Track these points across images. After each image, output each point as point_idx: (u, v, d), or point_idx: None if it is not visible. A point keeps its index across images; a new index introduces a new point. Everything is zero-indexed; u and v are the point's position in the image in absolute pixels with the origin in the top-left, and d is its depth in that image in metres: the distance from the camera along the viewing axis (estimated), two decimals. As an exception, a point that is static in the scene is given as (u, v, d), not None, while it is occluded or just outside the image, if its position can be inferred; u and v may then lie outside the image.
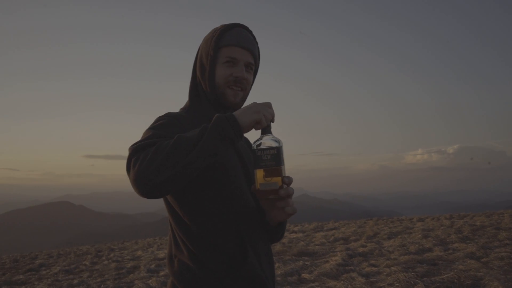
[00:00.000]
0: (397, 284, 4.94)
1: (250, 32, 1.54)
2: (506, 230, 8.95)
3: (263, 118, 1.29)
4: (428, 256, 6.73)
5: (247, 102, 1.56)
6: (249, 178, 1.51)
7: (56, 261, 11.59)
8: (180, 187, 1.25)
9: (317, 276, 5.86)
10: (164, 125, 1.40)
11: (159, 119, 1.44)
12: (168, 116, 1.45)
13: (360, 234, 10.68)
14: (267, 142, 1.31)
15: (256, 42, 1.55)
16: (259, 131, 1.34)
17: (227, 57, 1.48)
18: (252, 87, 1.59)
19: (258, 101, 1.33)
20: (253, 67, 1.54)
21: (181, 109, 1.59)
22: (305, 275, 5.99)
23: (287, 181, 1.32)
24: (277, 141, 1.32)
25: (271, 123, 1.34)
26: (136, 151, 1.26)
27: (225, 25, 1.51)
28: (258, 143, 1.32)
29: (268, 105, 1.33)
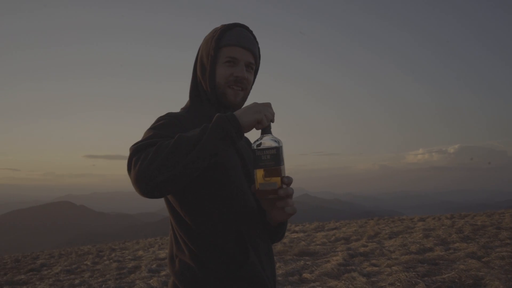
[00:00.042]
0: (398, 284, 4.94)
1: (251, 32, 1.54)
2: (507, 230, 8.94)
3: (264, 118, 1.30)
4: (429, 255, 6.73)
5: (247, 102, 1.56)
6: (250, 178, 1.51)
7: (58, 261, 11.61)
8: (181, 186, 1.25)
9: (318, 276, 5.86)
10: (165, 125, 1.40)
11: (160, 119, 1.44)
12: (169, 116, 1.45)
13: (361, 234, 10.68)
14: (267, 142, 1.32)
15: (257, 42, 1.55)
16: (259, 131, 1.34)
17: (228, 57, 1.48)
18: (253, 87, 1.59)
19: (259, 101, 1.34)
20: (253, 67, 1.54)
21: (182, 109, 1.59)
22: (306, 275, 5.99)
23: (287, 181, 1.32)
24: (277, 141, 1.32)
25: (271, 123, 1.34)
26: (137, 151, 1.26)
27: (225, 25, 1.51)
28: (258, 143, 1.32)
29: (268, 105, 1.33)
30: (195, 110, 1.54)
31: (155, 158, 1.20)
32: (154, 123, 1.43)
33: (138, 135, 1.47)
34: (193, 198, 1.41)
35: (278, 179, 1.30)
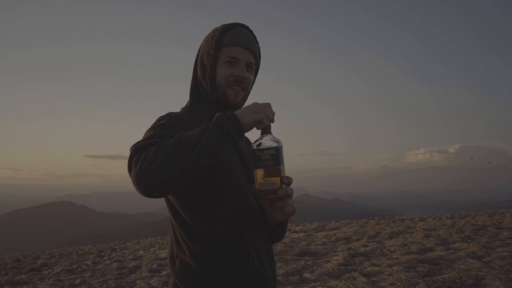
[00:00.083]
0: (399, 284, 4.94)
1: (251, 31, 1.54)
2: (507, 230, 8.94)
3: (265, 117, 1.30)
4: (430, 255, 6.72)
5: (248, 102, 1.56)
6: (250, 178, 1.51)
7: (58, 261, 11.62)
8: (182, 186, 1.25)
9: (318, 276, 5.86)
10: (166, 125, 1.40)
11: (161, 119, 1.44)
12: (170, 116, 1.45)
13: (361, 233, 10.68)
14: (267, 142, 1.32)
15: (257, 42, 1.55)
16: (259, 131, 1.34)
17: (228, 56, 1.48)
18: (253, 87, 1.59)
19: (259, 101, 1.34)
20: (254, 66, 1.54)
21: (182, 108, 1.59)
22: (306, 275, 5.99)
23: (286, 181, 1.32)
24: (277, 141, 1.32)
25: (271, 123, 1.35)
26: (138, 150, 1.26)
27: (225, 24, 1.51)
28: (257, 143, 1.32)
29: (268, 105, 1.33)
30: (196, 110, 1.54)
31: (156, 157, 1.20)
32: (154, 123, 1.43)
33: (138, 135, 1.47)
34: (193, 198, 1.41)
35: (278, 179, 1.30)
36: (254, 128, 1.32)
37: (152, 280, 6.51)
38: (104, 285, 6.90)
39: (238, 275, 1.39)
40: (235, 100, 1.51)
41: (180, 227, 1.44)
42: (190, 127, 1.40)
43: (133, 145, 1.29)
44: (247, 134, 1.51)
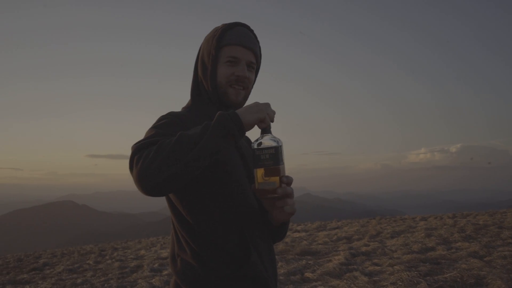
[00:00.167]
0: (400, 283, 4.94)
1: (252, 31, 1.54)
2: (509, 229, 8.93)
3: (267, 116, 1.31)
4: (431, 255, 6.72)
5: (248, 101, 1.56)
6: (251, 177, 1.51)
7: (60, 260, 11.64)
8: (183, 185, 1.25)
9: (320, 275, 5.86)
10: (167, 124, 1.40)
11: (162, 118, 1.45)
12: (171, 115, 1.46)
13: (363, 233, 10.67)
14: (266, 141, 1.32)
15: (258, 41, 1.55)
16: (259, 131, 1.35)
17: (229, 56, 1.48)
18: (254, 86, 1.60)
19: (260, 101, 1.35)
20: (254, 66, 1.54)
21: (183, 108, 1.59)
22: (308, 274, 5.99)
23: (286, 180, 1.32)
24: (276, 141, 1.32)
25: (271, 123, 1.35)
26: (139, 149, 1.26)
27: (226, 24, 1.51)
28: (257, 142, 1.33)
29: (268, 105, 1.34)
30: (197, 109, 1.54)
31: (157, 156, 1.20)
32: (156, 122, 1.43)
33: (140, 135, 1.47)
34: (194, 197, 1.41)
35: (277, 178, 1.30)
36: (254, 128, 1.33)
37: (153, 280, 6.52)
38: (105, 285, 6.92)
39: (239, 274, 1.39)
40: (236, 100, 1.51)
41: (181, 227, 1.44)
42: (191, 126, 1.40)
43: (134, 144, 1.29)
44: (248, 134, 1.51)
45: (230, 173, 1.44)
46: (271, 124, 1.35)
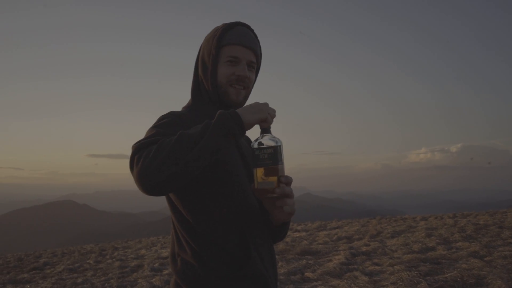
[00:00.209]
0: (400, 283, 4.94)
1: (252, 30, 1.54)
2: (509, 229, 8.92)
3: (269, 116, 1.32)
4: (432, 255, 6.71)
5: (249, 101, 1.57)
6: (251, 177, 1.51)
7: (60, 259, 11.64)
8: (183, 184, 1.25)
9: (320, 275, 5.86)
10: (167, 124, 1.41)
11: (162, 117, 1.45)
12: (171, 115, 1.46)
13: (363, 233, 10.67)
14: (266, 141, 1.33)
15: (258, 41, 1.55)
16: (259, 130, 1.35)
17: (229, 56, 1.48)
18: (254, 86, 1.60)
19: (260, 100, 1.36)
20: (255, 65, 1.54)
21: (184, 107, 1.59)
22: (308, 274, 5.99)
23: (284, 180, 1.32)
24: (275, 140, 1.33)
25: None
26: (139, 149, 1.26)
27: (226, 23, 1.51)
28: (257, 142, 1.33)
29: (267, 105, 1.35)
30: (197, 109, 1.54)
31: (157, 156, 1.20)
32: (156, 122, 1.43)
33: (140, 134, 1.47)
34: (194, 197, 1.41)
35: (275, 178, 1.31)
36: (254, 127, 1.33)
37: (154, 279, 6.52)
38: (106, 284, 6.92)
39: (239, 274, 1.39)
40: (236, 99, 1.51)
41: (181, 226, 1.44)
42: (192, 126, 1.40)
43: (134, 144, 1.29)
44: (247, 133, 1.51)
45: (230, 173, 1.44)
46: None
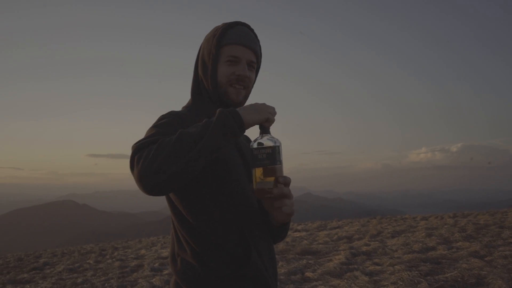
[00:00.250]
0: (401, 283, 4.93)
1: (252, 30, 1.54)
2: (510, 229, 8.92)
3: (270, 116, 1.32)
4: (432, 254, 6.71)
5: (249, 101, 1.56)
6: (251, 177, 1.51)
7: (60, 259, 11.64)
8: (184, 183, 1.25)
9: (320, 275, 5.86)
10: (168, 123, 1.40)
11: (162, 117, 1.44)
12: (171, 115, 1.45)
13: (363, 232, 10.67)
14: (264, 141, 1.33)
15: (258, 40, 1.55)
16: (258, 130, 1.35)
17: (229, 55, 1.47)
18: (254, 85, 1.59)
19: (259, 100, 1.37)
20: (255, 65, 1.54)
21: (184, 107, 1.59)
22: (308, 274, 5.99)
23: (283, 180, 1.31)
24: (274, 141, 1.32)
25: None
26: (139, 148, 1.26)
27: (227, 23, 1.51)
28: (256, 142, 1.33)
29: (266, 105, 1.35)
30: (197, 109, 1.54)
31: (157, 155, 1.20)
32: (156, 122, 1.43)
33: (140, 134, 1.47)
34: (194, 197, 1.41)
35: (273, 178, 1.30)
36: (254, 127, 1.33)
37: (154, 279, 6.52)
38: (106, 284, 6.92)
39: (240, 274, 1.38)
40: (236, 99, 1.51)
41: (181, 226, 1.44)
42: (192, 125, 1.40)
43: (134, 144, 1.29)
44: (247, 133, 1.51)
45: (230, 173, 1.44)
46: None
